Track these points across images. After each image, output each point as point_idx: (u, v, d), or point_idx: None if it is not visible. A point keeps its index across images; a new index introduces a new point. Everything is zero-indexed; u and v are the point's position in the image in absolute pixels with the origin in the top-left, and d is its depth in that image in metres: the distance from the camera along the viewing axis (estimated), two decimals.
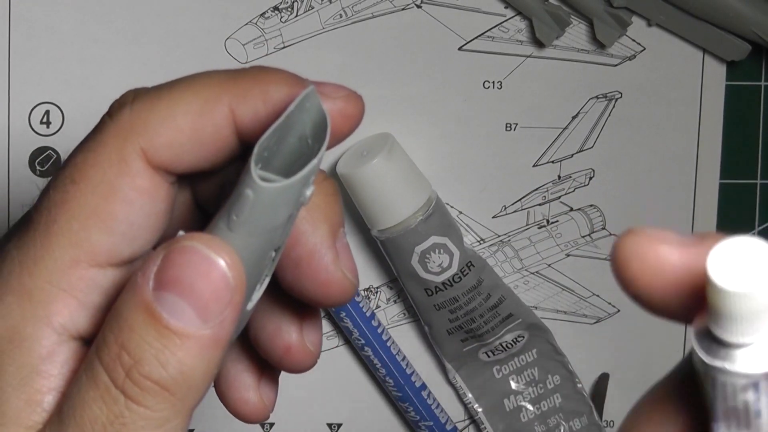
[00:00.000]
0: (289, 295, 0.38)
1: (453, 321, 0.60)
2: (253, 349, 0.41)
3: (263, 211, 0.33)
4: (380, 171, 0.57)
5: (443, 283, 0.58)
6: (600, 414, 0.63)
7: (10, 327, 0.35)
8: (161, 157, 0.35)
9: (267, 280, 0.36)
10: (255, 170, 0.32)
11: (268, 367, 0.41)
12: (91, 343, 0.34)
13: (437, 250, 0.58)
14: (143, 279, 0.33)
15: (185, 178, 0.37)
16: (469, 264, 0.59)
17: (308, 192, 0.33)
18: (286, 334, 0.39)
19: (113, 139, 0.35)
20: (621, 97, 0.62)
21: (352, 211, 0.60)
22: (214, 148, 0.35)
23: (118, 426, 0.33)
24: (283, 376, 0.58)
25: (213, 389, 0.42)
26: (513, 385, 0.63)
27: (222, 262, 0.32)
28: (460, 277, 0.59)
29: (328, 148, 0.35)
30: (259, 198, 0.32)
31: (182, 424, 0.34)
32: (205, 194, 0.38)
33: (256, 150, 0.32)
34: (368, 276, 0.61)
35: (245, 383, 0.41)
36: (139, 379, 0.33)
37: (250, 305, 0.36)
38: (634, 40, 0.62)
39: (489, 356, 0.62)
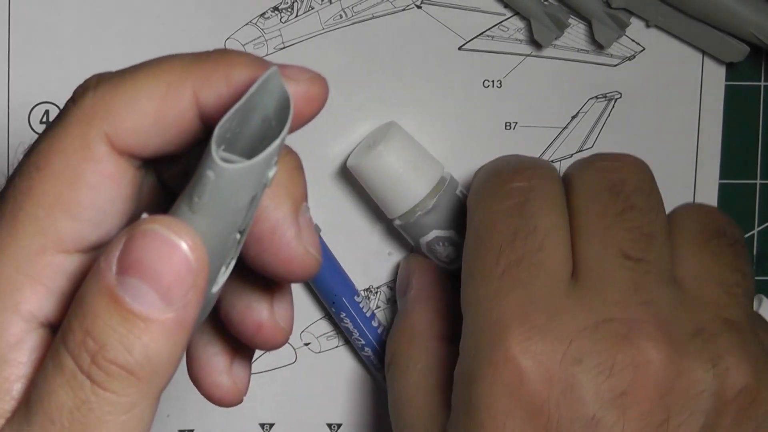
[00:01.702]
0: (257, 273, 0.38)
1: None
2: (224, 333, 0.41)
3: (225, 192, 0.33)
4: (383, 158, 0.57)
5: (455, 271, 0.59)
6: None
7: None
8: (125, 142, 0.35)
9: (233, 263, 0.36)
10: (216, 151, 0.32)
11: (240, 349, 0.41)
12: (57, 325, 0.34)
13: (441, 243, 0.58)
14: (106, 264, 0.33)
15: (151, 162, 0.37)
16: None
17: (270, 173, 0.33)
18: (256, 311, 0.40)
19: (76, 125, 0.35)
20: (620, 97, 0.62)
21: (371, 202, 0.60)
22: (178, 131, 0.36)
23: (85, 411, 0.33)
24: (283, 375, 0.58)
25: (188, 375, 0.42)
26: None
27: (184, 245, 0.32)
28: None
29: (292, 130, 0.35)
30: (220, 179, 0.32)
31: (149, 408, 0.34)
32: (172, 177, 0.38)
33: (216, 131, 0.32)
34: (368, 276, 0.61)
35: (217, 367, 0.41)
36: (105, 364, 0.33)
37: (216, 288, 0.36)
38: (633, 41, 0.62)
39: None
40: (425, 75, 0.60)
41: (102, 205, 0.35)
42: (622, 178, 0.51)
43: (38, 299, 0.35)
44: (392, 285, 0.62)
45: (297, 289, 0.61)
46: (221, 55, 0.36)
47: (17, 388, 0.35)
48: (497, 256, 0.49)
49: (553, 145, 0.62)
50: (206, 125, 0.36)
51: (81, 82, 0.58)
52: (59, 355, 0.33)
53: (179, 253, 0.32)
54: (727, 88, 0.63)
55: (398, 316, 0.58)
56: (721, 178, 0.63)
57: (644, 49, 0.62)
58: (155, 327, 0.33)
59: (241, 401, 0.41)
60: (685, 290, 0.50)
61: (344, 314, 0.60)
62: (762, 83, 0.63)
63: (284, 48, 0.59)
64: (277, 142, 0.33)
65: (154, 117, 0.35)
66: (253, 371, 0.60)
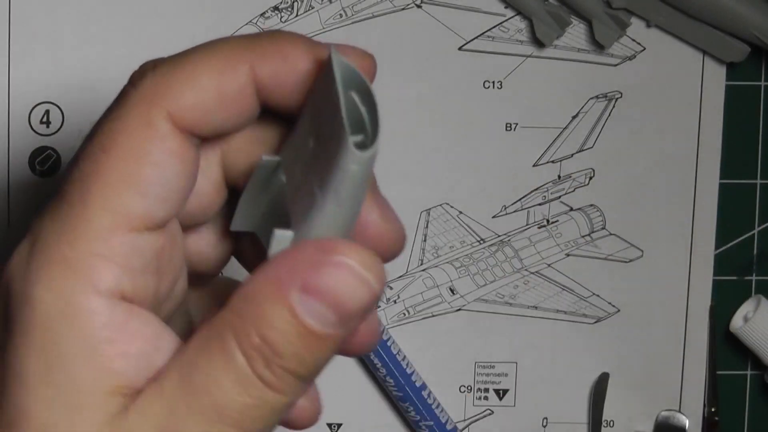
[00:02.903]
0: None
1: None
2: None
3: (362, 180, 0.34)
4: None
5: None
6: (600, 414, 0.63)
7: (61, 302, 0.35)
8: (187, 119, 0.36)
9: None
10: (352, 144, 0.33)
11: None
12: (133, 301, 0.36)
13: None
14: (289, 279, 0.35)
15: (207, 141, 0.38)
16: None
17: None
18: None
19: (139, 105, 0.36)
20: (621, 97, 0.62)
21: None
22: (237, 108, 0.37)
23: (253, 408, 0.35)
24: None
25: None
26: None
27: (374, 284, 0.35)
28: None
29: None
30: (361, 168, 0.34)
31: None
32: (229, 158, 0.39)
33: (346, 123, 0.33)
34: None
35: None
36: (279, 371, 0.35)
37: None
38: (634, 40, 0.62)
39: None
40: (425, 75, 0.60)
41: (168, 182, 0.36)
42: None
43: (114, 277, 0.36)
44: (392, 285, 0.62)
45: None
46: (275, 34, 0.37)
47: (119, 364, 0.36)
48: None
49: (553, 145, 0.62)
50: (261, 102, 0.37)
51: (81, 82, 0.58)
52: (231, 353, 0.35)
53: (369, 291, 0.35)
54: (728, 88, 0.63)
55: None
56: (721, 178, 0.63)
57: (645, 49, 0.62)
58: (329, 343, 0.35)
59: (316, 422, 0.42)
60: None
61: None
62: (762, 83, 0.63)
63: None
64: (380, 119, 0.34)
65: (214, 93, 0.36)
66: None
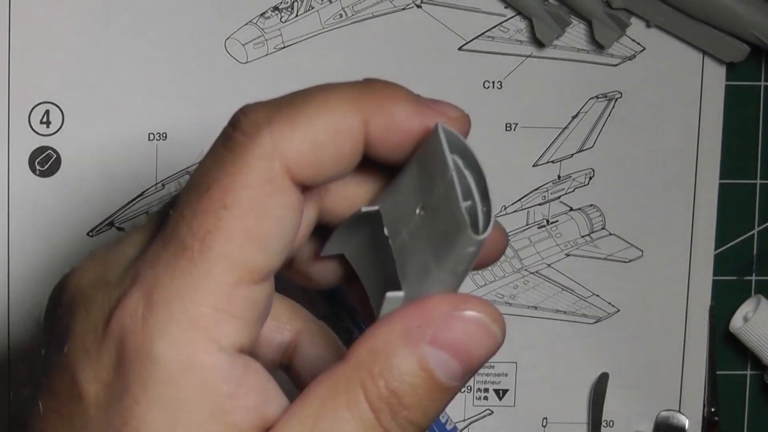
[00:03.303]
0: None
1: None
2: (330, 352, 0.45)
3: (477, 255, 0.36)
4: None
5: None
6: (600, 414, 0.63)
7: (184, 358, 0.36)
8: (304, 174, 0.37)
9: None
10: (471, 230, 0.35)
11: None
12: (248, 352, 0.37)
13: None
14: (420, 334, 0.36)
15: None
16: None
17: None
18: None
19: (260, 161, 0.36)
20: (621, 97, 0.62)
21: None
22: (349, 161, 0.38)
23: None
24: (283, 375, 0.58)
25: None
26: None
27: (499, 333, 0.36)
28: None
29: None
30: (477, 250, 0.36)
31: None
32: (328, 203, 0.40)
33: (465, 212, 0.35)
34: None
35: None
36: (404, 424, 0.36)
37: None
38: (634, 40, 0.62)
39: None
40: (425, 75, 0.60)
41: (287, 234, 0.37)
42: None
43: (236, 332, 0.36)
44: None
45: (294, 290, 0.61)
46: (382, 87, 0.38)
47: (241, 416, 0.36)
48: None
49: (553, 145, 0.62)
50: (367, 155, 0.38)
51: (81, 82, 0.58)
52: (357, 406, 0.36)
53: (495, 342, 0.36)
54: (727, 88, 0.63)
55: None
56: (721, 178, 0.63)
57: (644, 49, 0.62)
58: (451, 393, 0.37)
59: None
60: None
61: (344, 314, 0.60)
62: (762, 83, 0.63)
63: (284, 48, 0.59)
64: (490, 192, 0.36)
65: (331, 149, 0.37)
66: None
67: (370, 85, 0.38)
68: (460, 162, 0.36)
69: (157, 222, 0.38)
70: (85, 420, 0.36)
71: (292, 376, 0.45)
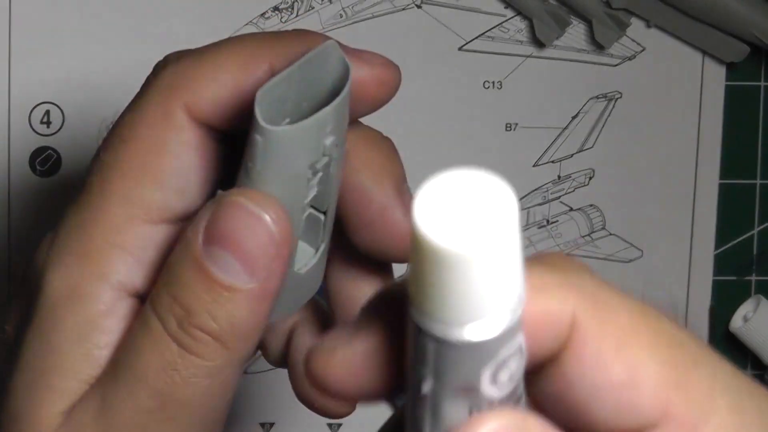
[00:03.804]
0: (369, 277, 0.39)
1: None
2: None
3: (277, 156, 0.33)
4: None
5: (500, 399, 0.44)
6: None
7: (70, 285, 0.35)
8: (204, 112, 0.36)
9: (323, 246, 0.37)
10: (260, 114, 0.33)
11: None
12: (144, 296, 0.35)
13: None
14: (193, 234, 0.34)
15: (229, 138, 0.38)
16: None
17: (328, 141, 0.34)
18: None
19: (158, 96, 0.36)
20: (621, 97, 0.62)
21: None
22: (251, 93, 0.36)
23: (171, 372, 0.34)
24: (283, 375, 0.58)
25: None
26: None
27: (267, 217, 0.33)
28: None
29: (368, 112, 0.36)
30: (268, 142, 0.33)
31: (233, 375, 0.35)
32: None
33: (259, 94, 0.33)
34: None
35: None
36: (191, 330, 0.34)
37: (304, 269, 0.37)
38: (633, 41, 0.62)
39: None
40: (425, 75, 0.60)
41: (185, 174, 0.36)
42: None
43: (127, 269, 0.36)
44: None
45: None
46: (298, 33, 0.37)
47: (105, 354, 0.36)
48: None
49: (553, 145, 0.62)
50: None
51: (81, 82, 0.58)
52: (147, 319, 0.34)
53: (263, 225, 0.33)
54: (727, 88, 0.63)
55: None
56: (721, 178, 0.63)
57: (644, 49, 0.62)
58: (239, 296, 0.34)
59: (350, 412, 0.41)
60: None
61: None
62: (762, 83, 0.63)
63: None
64: (327, 108, 0.33)
65: (232, 88, 0.36)
66: (253, 371, 0.60)
67: (284, 32, 0.37)
68: (337, 88, 0.34)
69: None
70: (9, 357, 0.37)
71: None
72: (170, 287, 0.34)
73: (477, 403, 0.26)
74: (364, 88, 0.37)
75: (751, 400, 0.29)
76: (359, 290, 0.40)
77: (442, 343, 0.25)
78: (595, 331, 0.28)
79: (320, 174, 0.35)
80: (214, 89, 0.36)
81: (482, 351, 0.25)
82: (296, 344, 0.42)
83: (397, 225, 0.37)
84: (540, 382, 0.29)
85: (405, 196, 0.38)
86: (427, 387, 0.26)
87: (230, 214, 0.33)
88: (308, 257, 0.37)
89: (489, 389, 0.26)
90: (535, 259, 0.29)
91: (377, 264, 0.39)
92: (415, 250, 0.24)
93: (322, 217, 0.36)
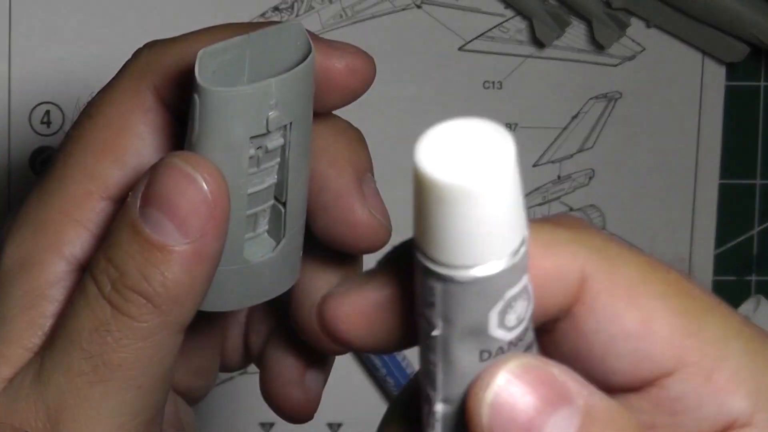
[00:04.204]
0: (327, 270, 0.39)
1: None
2: (297, 344, 0.41)
3: (214, 119, 0.33)
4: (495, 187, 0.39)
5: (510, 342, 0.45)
6: None
7: (23, 254, 0.36)
8: (173, 96, 0.36)
9: (284, 243, 0.36)
10: (199, 72, 0.33)
11: (313, 362, 0.41)
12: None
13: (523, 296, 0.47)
14: (132, 197, 0.34)
15: None
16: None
17: (272, 115, 0.34)
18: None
19: (128, 77, 0.36)
20: (621, 97, 0.62)
21: None
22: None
23: (103, 333, 0.34)
24: None
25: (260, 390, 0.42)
26: None
27: (200, 177, 0.33)
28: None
29: (343, 104, 0.36)
30: (204, 102, 0.33)
31: (169, 339, 0.35)
32: None
33: (201, 53, 0.33)
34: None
35: (289, 379, 0.41)
36: (124, 291, 0.34)
37: (255, 256, 0.36)
38: (633, 41, 0.62)
39: None
40: (425, 75, 0.60)
41: (147, 154, 0.36)
42: None
43: (81, 243, 0.36)
44: None
45: None
46: (275, 23, 0.36)
47: (50, 324, 0.36)
48: None
49: (553, 145, 0.62)
50: None
51: (82, 82, 0.58)
52: (84, 283, 0.35)
53: (196, 185, 0.33)
54: (727, 88, 0.63)
55: None
56: (721, 178, 0.63)
57: (644, 49, 0.62)
58: (173, 257, 0.34)
59: (311, 416, 0.41)
60: None
61: None
62: (762, 83, 0.63)
63: None
64: (270, 80, 0.33)
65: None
66: (253, 371, 0.60)
67: (261, 23, 0.37)
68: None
69: None
70: None
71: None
72: (106, 250, 0.34)
73: (487, 347, 0.27)
74: (334, 76, 0.36)
75: (763, 344, 0.29)
76: (322, 282, 0.39)
77: (448, 283, 0.26)
78: (605, 283, 0.29)
79: (276, 159, 0.35)
80: (184, 73, 0.36)
81: (488, 289, 0.26)
82: (256, 341, 0.42)
83: (352, 213, 0.37)
84: (555, 340, 0.29)
85: (366, 186, 0.38)
86: (437, 331, 0.27)
87: (165, 175, 0.34)
88: (266, 249, 0.36)
89: (497, 331, 0.27)
90: (545, 219, 0.30)
91: (342, 257, 0.39)
92: (417, 190, 0.25)
93: (276, 203, 0.36)
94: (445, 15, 0.60)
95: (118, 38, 0.59)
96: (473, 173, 0.25)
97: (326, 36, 0.59)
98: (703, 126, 0.63)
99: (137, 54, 0.37)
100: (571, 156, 0.62)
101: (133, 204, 0.34)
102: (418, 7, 0.60)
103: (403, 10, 0.60)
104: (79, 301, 0.34)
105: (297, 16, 0.59)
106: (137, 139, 0.36)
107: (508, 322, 0.27)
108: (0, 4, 0.57)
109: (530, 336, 0.28)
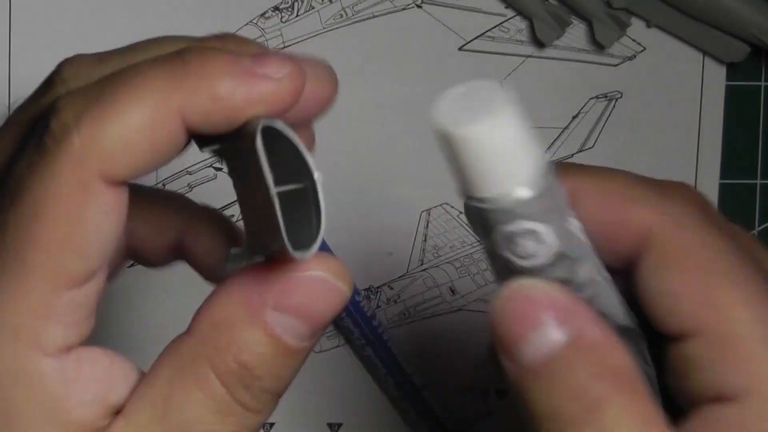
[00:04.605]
0: None
1: None
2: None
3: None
4: (501, 127, 0.39)
5: (531, 269, 0.50)
6: None
7: (11, 369, 0.35)
8: (119, 175, 0.35)
9: None
10: (288, 247, 0.33)
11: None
12: (80, 345, 0.36)
13: (528, 237, 0.51)
14: (261, 301, 0.35)
15: None
16: (562, 255, 0.50)
17: None
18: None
19: (69, 169, 0.34)
20: (621, 97, 0.62)
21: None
22: (170, 149, 0.35)
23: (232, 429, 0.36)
24: None
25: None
26: None
27: (346, 291, 0.36)
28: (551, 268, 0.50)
29: (312, 119, 0.38)
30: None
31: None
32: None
33: (283, 232, 0.33)
34: (368, 276, 0.61)
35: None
36: (259, 394, 0.36)
37: None
38: (634, 41, 0.62)
39: None
40: (425, 75, 0.60)
41: (106, 237, 0.35)
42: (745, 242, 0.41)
43: (61, 336, 0.35)
44: (392, 285, 0.62)
45: None
46: (200, 65, 0.35)
47: (78, 411, 0.35)
48: None
49: (553, 145, 0.62)
50: (189, 133, 0.36)
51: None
52: (209, 385, 0.35)
53: (342, 297, 0.36)
54: (727, 88, 0.63)
55: None
56: (721, 178, 0.63)
57: (645, 49, 0.62)
58: (302, 354, 0.36)
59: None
60: None
61: (344, 314, 0.60)
62: (762, 83, 0.63)
63: (284, 48, 0.59)
64: (319, 238, 0.35)
65: (145, 146, 0.35)
66: None
67: (184, 60, 0.35)
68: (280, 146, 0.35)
69: None
70: None
71: (191, 264, 0.44)
72: (236, 354, 0.35)
73: (509, 268, 0.35)
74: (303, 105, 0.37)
75: None
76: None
77: (472, 210, 0.34)
78: (663, 246, 0.35)
79: None
80: (128, 154, 0.34)
81: (492, 217, 0.34)
82: (193, 249, 0.43)
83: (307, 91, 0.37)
84: (632, 281, 0.36)
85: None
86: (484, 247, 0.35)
87: (311, 290, 0.35)
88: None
89: (509, 255, 0.34)
90: (653, 182, 0.38)
91: None
92: (444, 147, 0.34)
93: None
94: (445, 15, 0.60)
95: (118, 38, 0.58)
96: (479, 120, 0.34)
97: (327, 36, 0.59)
98: (704, 126, 0.63)
99: (63, 136, 0.34)
100: (572, 156, 0.62)
101: (264, 309, 0.35)
102: (419, 6, 0.60)
103: (403, 9, 0.60)
104: (205, 405, 0.35)
105: (297, 15, 0.59)
106: (95, 228, 0.35)
107: (516, 250, 0.34)
108: (0, 4, 0.57)
109: (560, 273, 0.34)
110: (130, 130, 0.34)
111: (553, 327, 0.34)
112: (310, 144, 0.40)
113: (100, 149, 0.34)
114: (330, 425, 0.62)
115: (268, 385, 0.36)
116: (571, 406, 0.34)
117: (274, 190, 0.33)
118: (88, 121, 0.34)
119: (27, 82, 0.58)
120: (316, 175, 0.34)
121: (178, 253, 0.44)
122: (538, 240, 0.34)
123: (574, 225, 0.35)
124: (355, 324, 0.60)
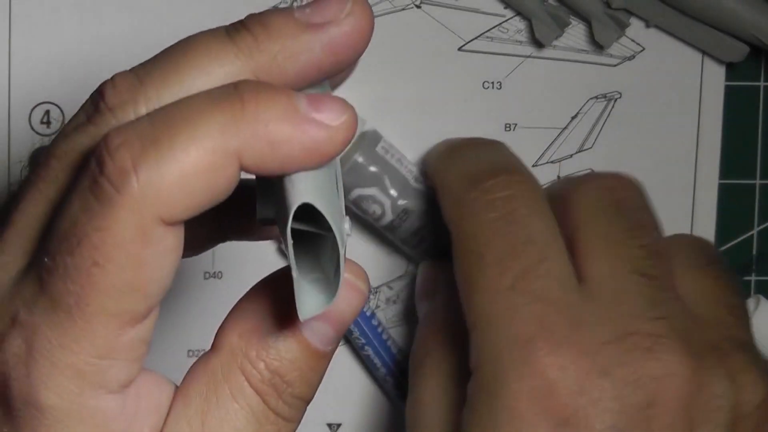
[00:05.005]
0: None
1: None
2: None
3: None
4: None
5: (385, 227, 0.58)
6: None
7: (74, 406, 0.35)
8: (178, 217, 0.35)
9: None
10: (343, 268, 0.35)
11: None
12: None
13: (367, 201, 0.58)
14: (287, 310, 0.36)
15: None
16: (405, 211, 0.58)
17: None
18: None
19: (128, 215, 0.34)
20: (620, 97, 0.62)
21: None
22: (226, 189, 0.35)
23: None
24: None
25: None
26: None
27: (365, 290, 0.37)
28: (399, 223, 0.58)
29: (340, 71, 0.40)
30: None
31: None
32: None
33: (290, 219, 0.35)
34: (369, 276, 0.61)
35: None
36: (291, 400, 0.37)
37: None
38: (633, 41, 0.62)
39: None
40: (425, 75, 0.60)
41: (167, 275, 0.36)
42: (623, 196, 0.53)
43: (124, 374, 0.36)
44: (392, 285, 0.62)
45: None
46: (257, 105, 0.35)
47: None
48: (500, 270, 0.49)
49: (553, 145, 0.62)
50: (244, 171, 0.36)
51: (81, 82, 0.58)
52: (243, 395, 0.36)
53: (363, 298, 0.37)
54: (727, 88, 0.63)
55: (425, 319, 0.58)
56: (721, 178, 0.63)
57: (644, 49, 0.62)
58: (329, 357, 0.38)
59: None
60: (691, 309, 0.50)
61: None
62: (762, 83, 0.63)
63: None
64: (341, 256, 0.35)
65: (204, 188, 0.35)
66: None
67: (242, 99, 0.35)
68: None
69: (29, 250, 0.37)
70: None
71: (236, 239, 0.46)
72: (269, 362, 0.36)
73: None
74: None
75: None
76: None
77: None
78: None
79: None
80: (188, 198, 0.35)
81: None
82: None
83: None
84: None
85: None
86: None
87: (340, 294, 0.35)
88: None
89: None
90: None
91: None
92: None
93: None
94: (445, 15, 0.60)
95: (118, 38, 0.59)
96: None
97: None
98: (703, 126, 0.63)
99: (122, 181, 0.34)
100: (571, 156, 0.62)
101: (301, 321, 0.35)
102: (418, 7, 0.60)
103: (403, 10, 0.60)
104: (241, 415, 0.36)
105: None
106: (156, 270, 0.35)
107: None
108: (0, 4, 0.57)
109: None
110: (188, 175, 0.34)
111: None
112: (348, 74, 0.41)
113: (160, 194, 0.34)
114: (329, 425, 0.62)
115: (299, 391, 0.37)
116: None
117: (296, 273, 0.34)
118: (147, 166, 0.34)
119: (27, 82, 0.58)
120: (340, 245, 0.35)
121: (215, 236, 0.45)
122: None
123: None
124: (355, 324, 0.60)
